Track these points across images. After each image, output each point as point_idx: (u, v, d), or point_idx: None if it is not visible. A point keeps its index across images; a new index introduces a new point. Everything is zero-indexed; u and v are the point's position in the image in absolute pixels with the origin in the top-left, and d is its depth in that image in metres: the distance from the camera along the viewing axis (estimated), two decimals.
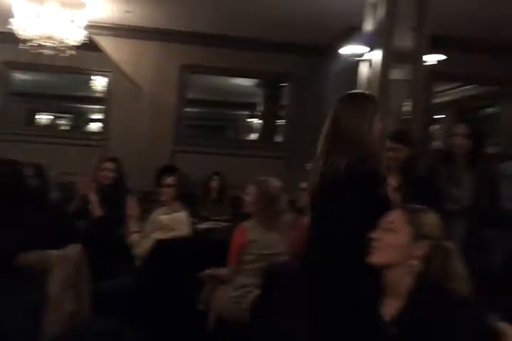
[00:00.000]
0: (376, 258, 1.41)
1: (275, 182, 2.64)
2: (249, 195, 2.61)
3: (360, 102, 1.86)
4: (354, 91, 2.16)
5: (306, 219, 2.90)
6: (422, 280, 1.38)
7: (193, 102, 7.71)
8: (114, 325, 1.28)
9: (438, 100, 6.91)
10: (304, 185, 2.97)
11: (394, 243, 1.40)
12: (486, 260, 2.76)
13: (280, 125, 6.69)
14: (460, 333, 1.29)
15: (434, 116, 7.71)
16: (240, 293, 2.51)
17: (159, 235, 2.81)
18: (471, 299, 1.47)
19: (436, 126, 7.47)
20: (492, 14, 4.26)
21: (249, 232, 2.54)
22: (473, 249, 2.64)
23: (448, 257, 1.45)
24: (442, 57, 4.24)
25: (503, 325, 1.55)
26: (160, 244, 2.74)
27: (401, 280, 1.39)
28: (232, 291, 2.52)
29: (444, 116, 7.69)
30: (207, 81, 7.17)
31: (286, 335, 1.94)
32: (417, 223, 1.41)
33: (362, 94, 2.02)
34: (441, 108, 7.54)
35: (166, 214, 2.99)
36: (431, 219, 1.44)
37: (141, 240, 2.88)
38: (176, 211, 2.98)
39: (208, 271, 2.63)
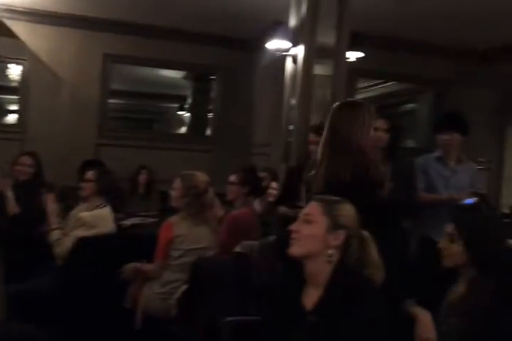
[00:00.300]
0: (295, 249, 1.44)
1: (202, 176, 2.63)
2: (175, 189, 2.58)
3: (355, 111, 2.11)
4: (350, 100, 2.53)
5: (235, 212, 2.94)
6: (339, 268, 1.43)
7: (118, 93, 7.45)
8: (27, 330, 1.21)
9: (362, 96, 7.21)
10: (232, 178, 2.99)
11: (311, 234, 1.44)
12: (403, 248, 2.94)
13: (210, 118, 6.66)
14: (376, 318, 1.35)
15: None
16: (167, 289, 2.48)
17: (80, 232, 2.71)
18: (386, 285, 1.55)
19: None
20: (408, 13, 4.49)
21: (176, 227, 2.51)
22: (392, 238, 2.81)
23: (364, 246, 1.52)
24: (361, 54, 4.38)
25: (416, 309, 1.66)
26: (81, 241, 2.63)
27: (320, 269, 1.43)
28: (159, 287, 2.49)
29: None
30: (133, 72, 6.96)
31: (213, 329, 1.94)
32: (333, 214, 1.45)
33: (357, 103, 2.28)
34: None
35: (88, 210, 2.88)
36: (347, 209, 1.50)
37: (63, 238, 2.75)
38: (98, 207, 2.89)
39: (131, 264, 2.57)
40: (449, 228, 1.71)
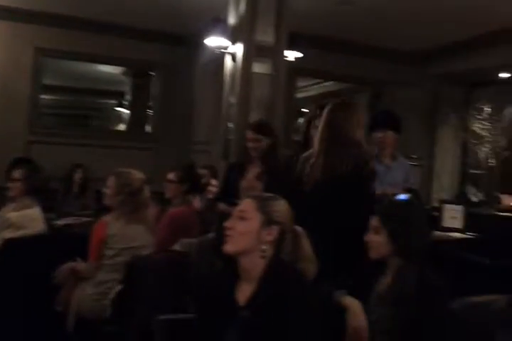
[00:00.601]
0: (230, 246, 1.44)
1: (137, 174, 2.57)
2: (109, 187, 2.51)
3: (349, 109, 2.33)
4: (343, 99, 2.79)
5: (174, 210, 2.90)
6: (272, 263, 1.44)
7: (53, 89, 7.16)
8: None
9: (301, 95, 7.33)
10: (170, 176, 2.95)
11: (246, 230, 1.44)
12: None
13: (149, 115, 6.54)
14: (308, 311, 1.37)
15: (303, 110, 8.20)
16: (101, 290, 2.41)
17: (7, 234, 2.58)
18: (318, 278, 1.59)
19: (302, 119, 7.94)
20: (345, 14, 4.61)
21: (110, 226, 2.44)
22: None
23: (297, 240, 1.55)
24: (299, 54, 4.45)
25: (347, 299, 1.71)
26: (8, 243, 2.50)
27: (254, 264, 1.43)
28: (92, 288, 2.41)
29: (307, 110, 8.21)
30: (71, 67, 6.71)
31: (148, 329, 1.91)
32: (266, 210, 1.46)
33: (351, 103, 2.54)
34: (307, 102, 8.03)
35: (15, 210, 2.75)
36: (280, 205, 1.51)
37: None
38: (27, 207, 2.76)
39: (66, 265, 2.48)
40: (374, 220, 1.77)
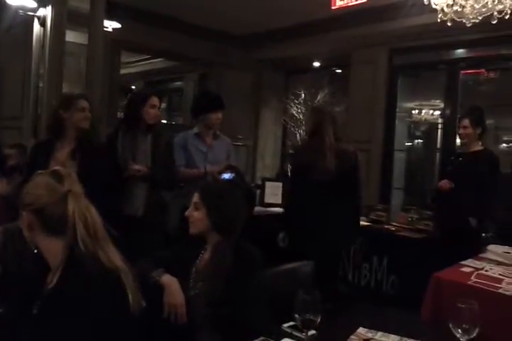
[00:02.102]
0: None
1: None
2: None
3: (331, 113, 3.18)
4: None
5: None
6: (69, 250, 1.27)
7: None
8: None
9: (127, 71, 7.04)
10: None
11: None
12: (165, 222, 3.02)
13: None
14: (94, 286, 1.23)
15: (132, 87, 7.88)
16: None
17: None
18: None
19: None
20: None
21: None
22: (153, 214, 2.86)
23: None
24: (118, 25, 4.22)
25: (163, 278, 1.71)
26: None
27: (48, 250, 1.30)
28: None
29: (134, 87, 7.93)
30: None
31: None
32: (21, 196, 1.31)
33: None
34: (135, 78, 7.73)
35: None
36: (29, 187, 1.32)
37: None
38: None
39: None
40: (195, 197, 1.82)
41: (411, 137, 5.80)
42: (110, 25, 4.02)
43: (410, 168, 5.40)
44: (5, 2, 3.59)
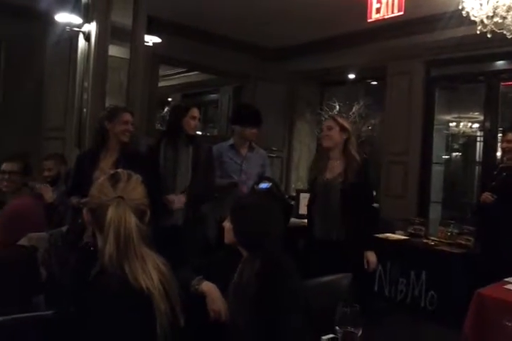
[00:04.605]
0: None
1: None
2: None
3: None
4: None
5: (16, 202, 2.64)
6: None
7: None
8: None
9: (165, 83, 7.20)
10: (5, 166, 2.70)
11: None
12: (203, 232, 3.05)
13: None
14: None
15: (168, 99, 8.06)
16: None
17: None
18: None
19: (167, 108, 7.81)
20: (209, 6, 4.62)
21: None
22: (192, 224, 2.89)
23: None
24: (158, 39, 4.34)
25: (203, 285, 1.72)
26: None
27: None
28: None
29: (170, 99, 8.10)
30: None
31: None
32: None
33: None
34: (171, 91, 7.90)
35: None
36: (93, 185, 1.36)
37: None
38: None
39: None
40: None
41: (449, 150, 5.68)
42: (151, 39, 4.15)
43: (448, 181, 5.28)
44: (53, 19, 3.77)
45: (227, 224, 1.81)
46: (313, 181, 2.90)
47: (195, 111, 2.94)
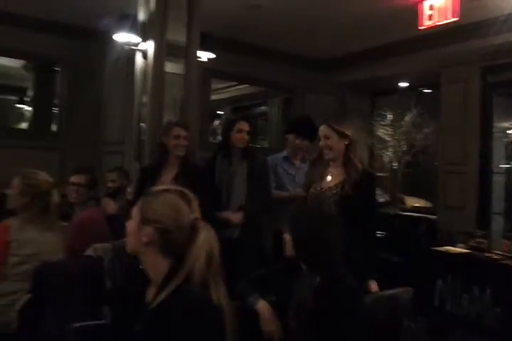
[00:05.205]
0: (127, 246, 1.36)
1: (44, 176, 2.42)
2: (14, 188, 2.34)
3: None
4: None
5: (84, 214, 2.77)
6: (172, 266, 1.29)
7: None
8: None
9: (217, 97, 7.35)
10: (74, 178, 2.83)
11: (129, 230, 1.34)
12: (260, 244, 3.07)
13: (55, 113, 6.15)
14: (197, 319, 1.21)
15: (218, 112, 8.22)
16: (6, 302, 2.22)
17: None
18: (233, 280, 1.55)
19: (217, 121, 7.97)
20: (257, 19, 4.70)
21: (13, 230, 2.27)
22: (248, 237, 2.91)
23: (193, 236, 1.31)
24: (212, 55, 4.46)
25: (258, 305, 1.71)
26: None
27: (152, 266, 1.31)
28: None
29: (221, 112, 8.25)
30: None
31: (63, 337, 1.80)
32: (144, 208, 1.33)
33: None
34: (220, 104, 8.05)
35: None
36: (159, 202, 1.33)
37: None
38: None
39: None
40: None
41: (509, 158, 5.44)
42: (204, 55, 4.26)
43: (510, 191, 5.04)
44: (111, 39, 3.96)
45: (287, 237, 1.80)
46: (308, 189, 2.50)
47: (242, 124, 2.93)
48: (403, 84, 5.92)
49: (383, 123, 5.73)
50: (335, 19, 4.60)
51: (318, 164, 2.52)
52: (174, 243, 1.27)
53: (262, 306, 1.70)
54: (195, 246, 1.26)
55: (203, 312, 1.20)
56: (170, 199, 1.32)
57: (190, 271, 1.24)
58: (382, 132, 5.70)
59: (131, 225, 1.33)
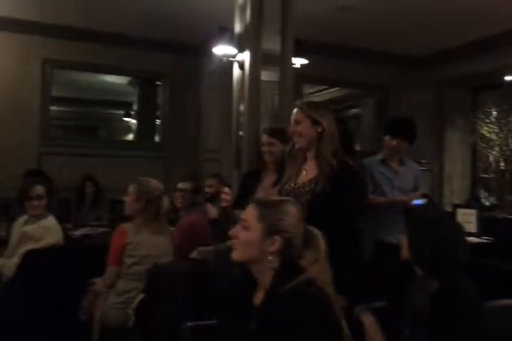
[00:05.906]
0: (236, 255, 1.39)
1: (157, 184, 2.61)
2: (129, 195, 2.54)
3: None
4: None
5: (190, 218, 2.93)
6: (280, 273, 1.35)
7: (61, 100, 7.21)
8: None
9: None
10: (185, 185, 2.99)
11: (247, 240, 1.37)
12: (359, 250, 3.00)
13: (158, 124, 6.59)
14: (312, 328, 1.26)
15: None
16: (123, 299, 2.42)
17: (29, 247, 2.57)
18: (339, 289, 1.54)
19: None
20: (348, 21, 4.66)
21: (129, 234, 2.47)
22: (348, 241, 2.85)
23: (311, 244, 1.40)
24: (305, 61, 4.48)
25: (363, 316, 1.64)
26: (29, 254, 2.51)
27: (263, 274, 1.37)
28: (115, 298, 2.43)
29: None
30: (77, 78, 6.77)
31: (173, 336, 1.92)
32: (269, 219, 1.37)
33: None
34: None
35: (30, 223, 2.73)
36: (285, 213, 1.40)
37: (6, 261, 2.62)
38: (41, 218, 2.73)
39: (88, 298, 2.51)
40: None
41: None
42: (297, 61, 4.30)
43: None
44: (210, 52, 4.16)
45: (403, 240, 1.75)
46: (282, 188, 2.19)
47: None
48: (508, 78, 5.49)
49: (487, 120, 5.36)
50: (429, 15, 4.43)
51: (298, 156, 2.17)
52: (295, 249, 1.38)
53: (367, 320, 1.63)
54: (312, 249, 1.37)
55: (321, 313, 1.27)
56: (292, 210, 1.42)
57: (307, 273, 1.33)
58: (486, 130, 5.33)
59: (251, 235, 1.37)
